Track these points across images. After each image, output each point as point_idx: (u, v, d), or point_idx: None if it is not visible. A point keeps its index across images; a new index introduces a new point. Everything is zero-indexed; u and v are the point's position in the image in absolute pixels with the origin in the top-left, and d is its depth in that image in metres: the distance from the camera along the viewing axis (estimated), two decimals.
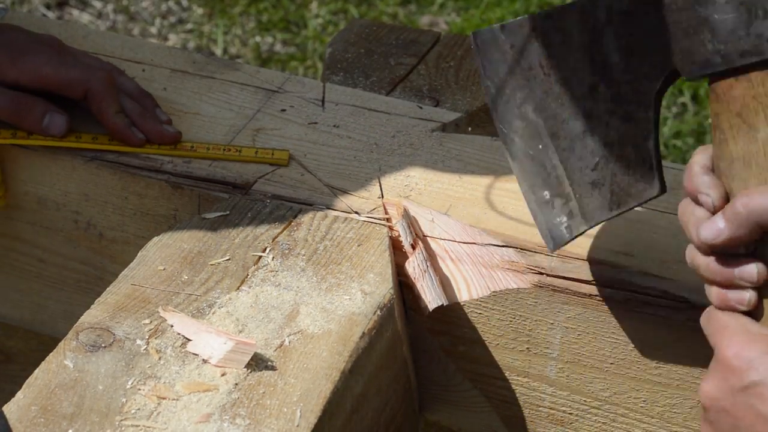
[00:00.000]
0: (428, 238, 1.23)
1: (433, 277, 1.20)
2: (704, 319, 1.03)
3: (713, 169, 1.03)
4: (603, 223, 1.12)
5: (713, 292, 1.02)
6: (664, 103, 3.13)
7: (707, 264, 1.01)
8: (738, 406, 0.97)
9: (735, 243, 0.99)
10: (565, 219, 1.09)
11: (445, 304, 1.19)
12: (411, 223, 1.22)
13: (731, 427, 0.98)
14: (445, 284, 1.22)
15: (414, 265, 1.19)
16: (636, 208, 1.24)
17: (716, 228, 0.99)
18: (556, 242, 1.10)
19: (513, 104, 1.12)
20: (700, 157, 1.04)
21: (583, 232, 1.09)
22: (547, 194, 1.10)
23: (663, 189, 1.07)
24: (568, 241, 1.09)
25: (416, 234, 1.22)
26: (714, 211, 1.01)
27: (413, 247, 1.20)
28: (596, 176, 1.08)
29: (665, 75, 1.05)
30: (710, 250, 1.00)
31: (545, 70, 1.10)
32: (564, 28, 1.09)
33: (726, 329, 0.99)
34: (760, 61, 1.00)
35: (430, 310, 1.19)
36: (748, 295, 0.99)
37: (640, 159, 1.07)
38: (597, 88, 1.08)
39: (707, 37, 1.01)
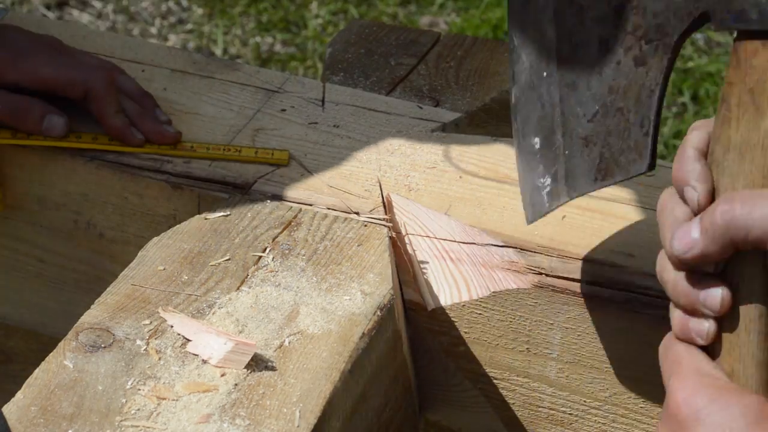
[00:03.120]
0: (428, 238, 1.23)
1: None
2: (661, 349, 0.93)
3: (708, 155, 0.91)
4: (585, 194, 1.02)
5: (675, 317, 0.91)
6: (664, 102, 3.13)
7: (675, 282, 0.90)
8: None
9: (706, 259, 0.87)
10: (549, 181, 1.00)
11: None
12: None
13: None
14: (441, 285, 1.22)
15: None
16: (637, 208, 1.24)
17: (689, 239, 0.87)
18: (535, 211, 1.01)
19: (533, 3, 1.00)
20: (696, 137, 0.91)
21: (563, 204, 1.00)
22: (537, 142, 1.00)
23: (652, 164, 0.96)
24: (547, 213, 1.01)
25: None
26: (697, 211, 0.89)
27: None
28: (591, 130, 0.97)
29: (696, 15, 0.91)
30: (681, 264, 0.89)
31: None
32: None
33: (679, 366, 0.89)
34: None
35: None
36: (707, 326, 0.89)
37: (639, 119, 0.95)
38: (623, 10, 0.94)
39: None
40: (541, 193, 1.01)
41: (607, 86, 0.96)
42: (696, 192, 0.89)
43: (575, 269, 1.17)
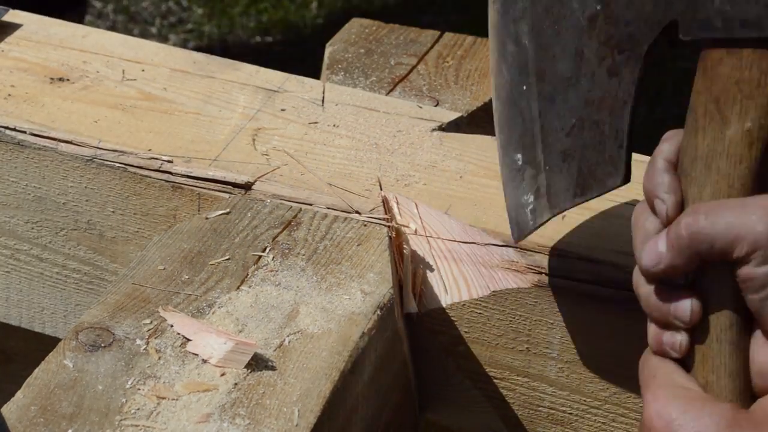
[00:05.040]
0: (428, 238, 1.23)
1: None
2: (640, 363, 0.94)
3: (678, 165, 0.91)
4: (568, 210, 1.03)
5: (650, 331, 0.92)
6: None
7: (647, 296, 0.91)
8: None
9: (674, 272, 0.89)
10: (532, 198, 1.01)
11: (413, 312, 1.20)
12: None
13: None
14: (440, 285, 1.22)
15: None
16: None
17: (656, 252, 0.89)
18: (521, 230, 1.02)
19: (511, 15, 1.00)
20: (667, 148, 0.92)
21: (546, 221, 1.02)
22: (519, 158, 1.01)
23: (627, 177, 0.96)
24: (532, 231, 1.02)
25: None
26: (666, 223, 0.89)
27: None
28: (569, 144, 0.97)
29: (665, 24, 0.91)
30: (651, 277, 0.90)
31: None
32: None
33: (654, 379, 0.90)
34: (758, 38, 0.87)
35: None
36: (680, 338, 0.90)
37: (613, 132, 0.95)
38: (596, 20, 0.94)
39: None
40: (526, 210, 1.02)
41: (583, 99, 0.97)
42: (665, 204, 0.89)
43: (575, 269, 1.17)
